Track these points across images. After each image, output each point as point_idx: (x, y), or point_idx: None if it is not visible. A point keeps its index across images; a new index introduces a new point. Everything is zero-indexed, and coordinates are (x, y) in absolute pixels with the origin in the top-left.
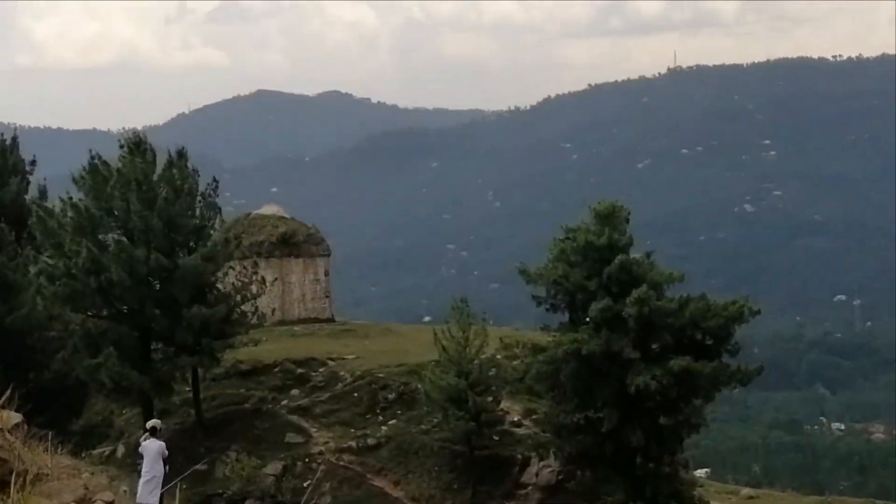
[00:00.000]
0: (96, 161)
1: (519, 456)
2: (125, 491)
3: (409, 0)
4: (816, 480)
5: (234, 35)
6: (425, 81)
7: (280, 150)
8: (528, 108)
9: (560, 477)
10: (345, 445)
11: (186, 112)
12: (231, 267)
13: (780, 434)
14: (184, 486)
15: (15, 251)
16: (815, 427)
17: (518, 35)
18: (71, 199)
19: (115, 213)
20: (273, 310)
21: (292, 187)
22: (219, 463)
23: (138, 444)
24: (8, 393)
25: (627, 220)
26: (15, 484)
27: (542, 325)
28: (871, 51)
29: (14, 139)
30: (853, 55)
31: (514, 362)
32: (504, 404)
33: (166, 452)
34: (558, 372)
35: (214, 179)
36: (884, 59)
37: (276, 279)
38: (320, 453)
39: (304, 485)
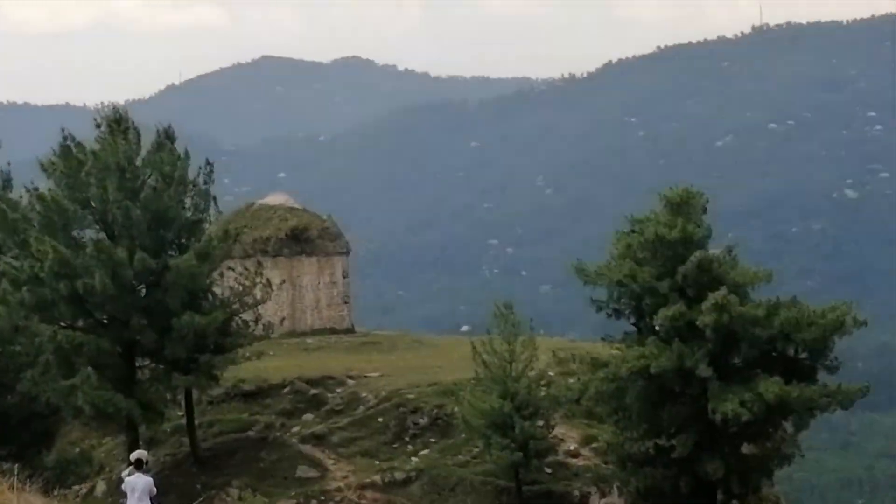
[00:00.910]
0: (69, 142)
1: (576, 492)
2: None
3: None
4: None
5: None
6: (462, 44)
7: (289, 128)
8: (586, 75)
9: None
10: (368, 481)
11: (177, 83)
12: (230, 268)
13: (888, 465)
14: None
15: None
16: None
17: None
18: (37, 188)
19: (92, 204)
20: (282, 319)
21: (304, 172)
22: (217, 502)
23: (121, 480)
24: None
25: (705, 210)
26: None
27: (602, 335)
28: None
29: None
30: None
31: (570, 380)
32: (557, 430)
33: (154, 490)
34: (622, 392)
35: (209, 163)
36: None
37: (284, 282)
38: (338, 490)
39: None
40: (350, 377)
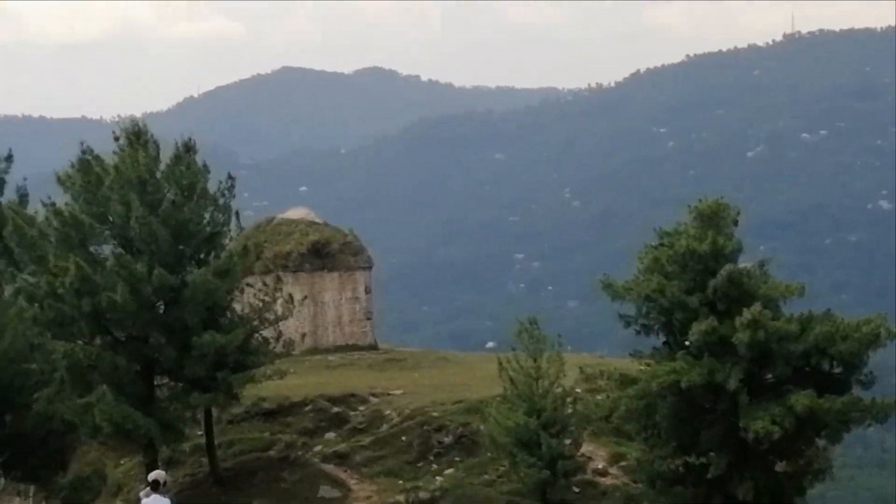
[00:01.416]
0: (87, 156)
1: None
2: None
3: None
4: None
5: (252, 1)
6: (486, 54)
7: (310, 141)
8: (613, 84)
9: None
10: (391, 501)
11: (195, 95)
12: (250, 284)
13: None
14: None
15: None
16: None
17: None
18: (54, 203)
19: (111, 219)
20: (303, 335)
21: (325, 185)
22: None
23: (139, 501)
24: None
25: (736, 222)
26: None
27: (631, 350)
28: None
29: None
30: None
31: (598, 397)
32: (586, 448)
33: None
34: (652, 409)
35: (230, 177)
36: None
37: (305, 297)
38: None
39: None
40: (373, 395)
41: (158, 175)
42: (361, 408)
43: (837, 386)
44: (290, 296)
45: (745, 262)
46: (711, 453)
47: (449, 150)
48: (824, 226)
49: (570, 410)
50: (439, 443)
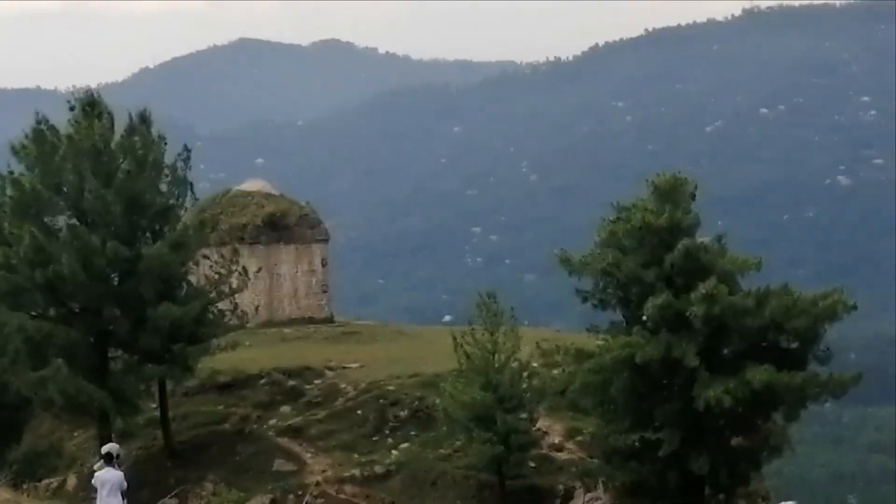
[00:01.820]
0: (42, 126)
1: (560, 486)
2: None
3: None
4: None
5: None
6: (444, 27)
7: (267, 113)
8: (572, 58)
9: None
10: (346, 474)
11: (151, 66)
12: (205, 256)
13: (882, 459)
14: None
15: None
16: None
17: None
18: (12, 172)
19: (65, 190)
20: (257, 307)
21: (282, 157)
22: (192, 496)
23: (92, 474)
24: None
25: (693, 197)
26: None
27: (588, 325)
28: None
29: None
30: None
31: (554, 371)
32: (542, 423)
33: (125, 485)
34: (608, 384)
35: (186, 148)
36: None
37: (260, 269)
38: (317, 484)
39: None
40: (329, 368)
41: (113, 146)
42: (317, 381)
43: (794, 361)
44: (244, 268)
45: (702, 237)
46: (666, 429)
47: (406, 123)
48: (782, 201)
49: (525, 385)
50: (395, 417)
